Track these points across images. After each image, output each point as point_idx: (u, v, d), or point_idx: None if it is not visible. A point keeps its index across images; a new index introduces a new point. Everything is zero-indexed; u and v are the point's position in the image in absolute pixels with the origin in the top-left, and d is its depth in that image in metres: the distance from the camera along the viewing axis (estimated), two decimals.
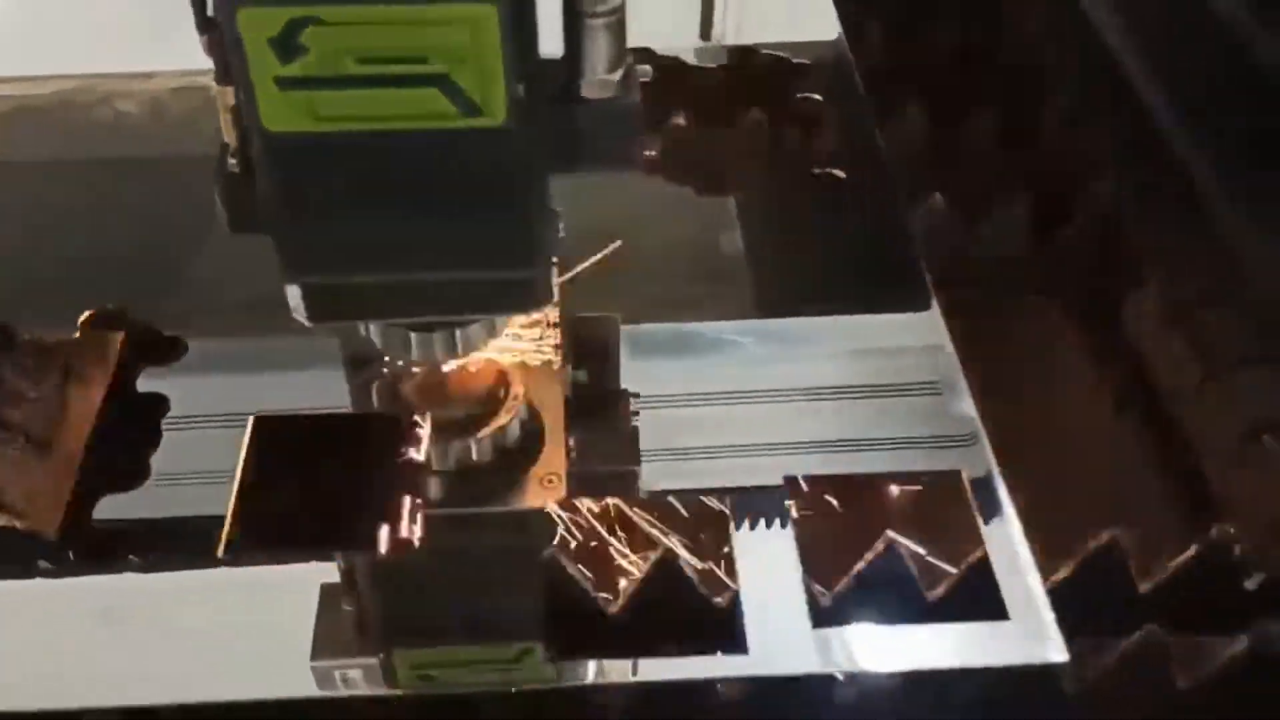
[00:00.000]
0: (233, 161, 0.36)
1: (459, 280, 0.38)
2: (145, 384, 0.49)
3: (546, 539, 0.42)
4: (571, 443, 0.45)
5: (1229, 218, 0.57)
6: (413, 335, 0.41)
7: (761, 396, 0.48)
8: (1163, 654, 0.40)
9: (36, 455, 0.46)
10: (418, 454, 0.43)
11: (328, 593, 0.42)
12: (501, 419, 0.44)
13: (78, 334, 0.49)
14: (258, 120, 0.33)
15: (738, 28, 0.72)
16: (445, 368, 0.45)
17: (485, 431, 0.44)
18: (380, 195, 0.35)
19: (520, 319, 0.46)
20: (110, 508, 0.45)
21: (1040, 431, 0.53)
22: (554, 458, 0.45)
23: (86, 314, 0.49)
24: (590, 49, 0.36)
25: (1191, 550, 0.43)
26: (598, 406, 0.48)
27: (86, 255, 0.56)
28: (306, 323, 0.38)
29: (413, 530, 0.41)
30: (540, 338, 0.47)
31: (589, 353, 0.49)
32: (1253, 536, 0.46)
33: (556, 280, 0.47)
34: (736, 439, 0.46)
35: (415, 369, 0.45)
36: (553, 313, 0.47)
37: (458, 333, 0.41)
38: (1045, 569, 0.43)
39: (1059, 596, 0.43)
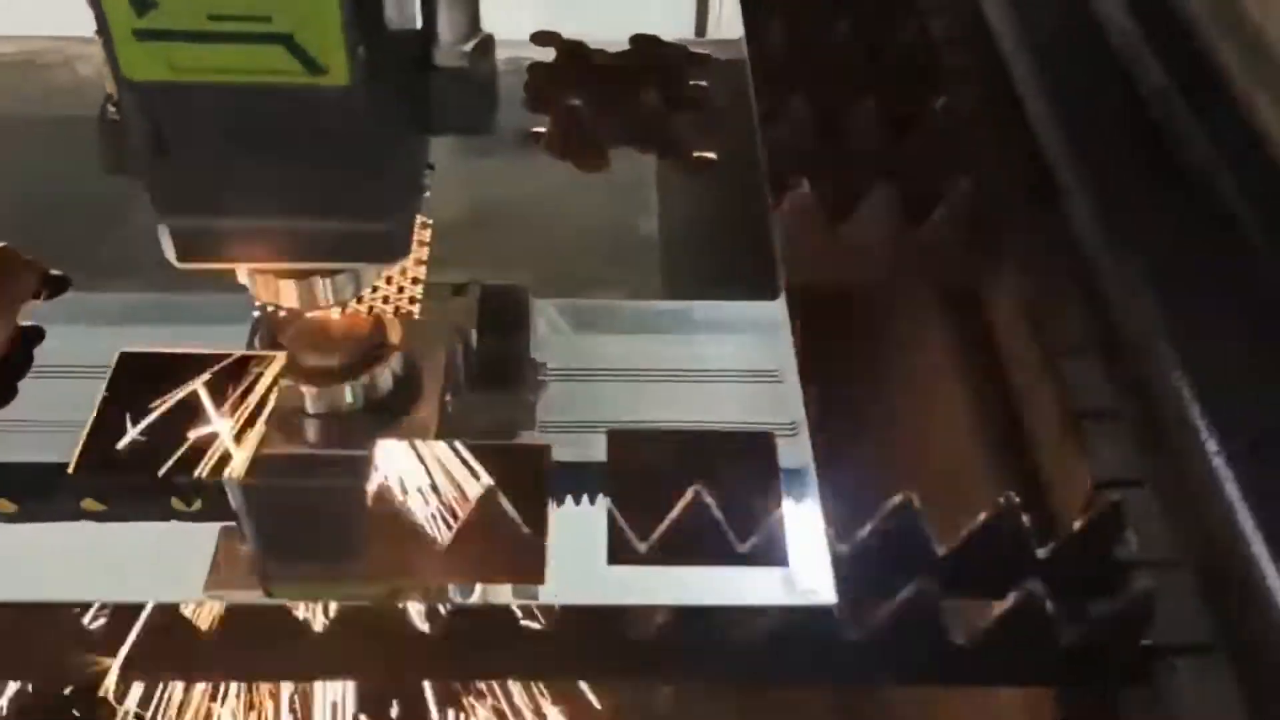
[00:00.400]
0: (112, 110, 0.38)
1: (318, 229, 0.40)
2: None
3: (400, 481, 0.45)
4: (459, 400, 0.48)
5: (1085, 221, 0.60)
6: (281, 282, 0.43)
7: (594, 376, 0.51)
8: (935, 609, 0.43)
9: None
10: (289, 397, 0.46)
11: (227, 532, 0.45)
12: (373, 367, 0.47)
13: None
14: (119, 69, 0.36)
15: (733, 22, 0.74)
16: (322, 315, 0.47)
17: (357, 378, 0.46)
18: (239, 144, 0.38)
19: (393, 273, 0.49)
20: None
21: (874, 412, 0.56)
22: (425, 410, 0.47)
23: None
24: (443, 20, 0.39)
25: (981, 517, 0.46)
26: (501, 372, 0.50)
27: (25, 202, 0.59)
28: (175, 263, 0.41)
29: (265, 465, 0.44)
30: (400, 290, 0.49)
31: (497, 321, 0.51)
32: (1068, 510, 0.49)
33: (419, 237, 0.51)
34: (563, 416, 0.49)
35: (293, 316, 0.47)
36: (417, 270, 0.50)
37: (324, 281, 0.43)
38: (845, 532, 0.46)
39: (854, 554, 0.46)
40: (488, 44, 0.40)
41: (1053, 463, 0.54)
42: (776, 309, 0.52)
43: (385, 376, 0.47)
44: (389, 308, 0.49)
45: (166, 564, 0.45)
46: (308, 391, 0.46)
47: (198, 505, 0.45)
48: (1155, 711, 0.44)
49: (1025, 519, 0.46)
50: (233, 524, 0.45)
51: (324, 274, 0.43)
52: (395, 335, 0.47)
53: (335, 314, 0.47)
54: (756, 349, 0.52)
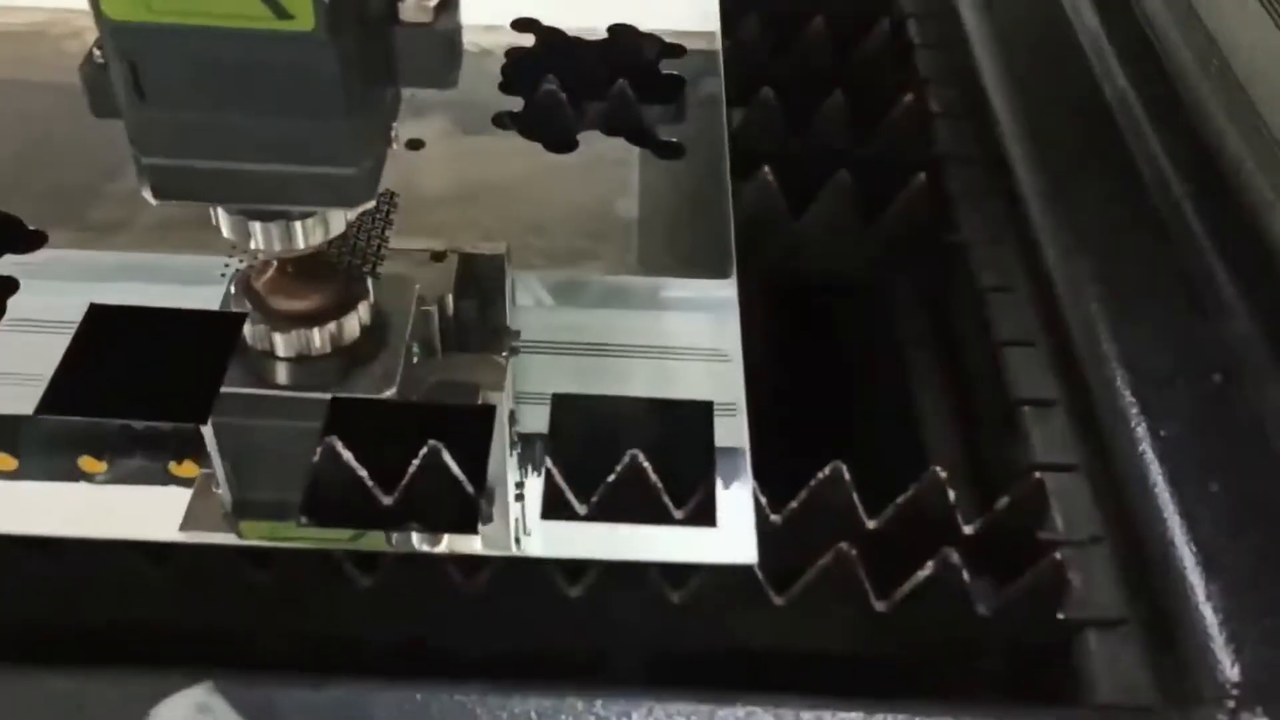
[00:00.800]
0: (98, 53, 0.40)
1: (284, 172, 0.42)
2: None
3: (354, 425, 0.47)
4: (427, 356, 0.50)
5: (1038, 219, 0.62)
6: (253, 224, 0.45)
7: (559, 347, 0.53)
8: (854, 574, 0.45)
9: None
10: (258, 342, 0.48)
11: (204, 476, 0.47)
12: (341, 315, 0.48)
13: None
14: (99, 9, 0.38)
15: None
16: (293, 259, 0.48)
17: (324, 324, 0.48)
18: (211, 86, 0.39)
19: (362, 236, 0.51)
20: None
21: (820, 394, 0.58)
22: (391, 356, 0.49)
23: None
24: None
25: (910, 491, 0.48)
26: (473, 334, 0.52)
27: (22, 164, 0.61)
28: (151, 200, 0.42)
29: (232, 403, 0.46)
30: (369, 253, 0.51)
31: (474, 287, 0.53)
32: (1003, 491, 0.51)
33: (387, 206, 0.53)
34: (526, 385, 0.51)
35: (269, 263, 0.49)
36: (383, 236, 0.52)
37: (292, 224, 0.45)
38: (780, 504, 0.48)
39: (785, 522, 0.48)
40: (452, 1, 0.42)
41: (993, 448, 0.56)
42: (726, 289, 0.54)
43: (353, 325, 0.48)
44: (359, 262, 0.51)
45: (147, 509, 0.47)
46: (277, 334, 0.48)
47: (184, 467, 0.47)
48: (1071, 682, 0.46)
49: (951, 494, 0.48)
50: (209, 470, 0.47)
51: (292, 217, 0.44)
52: (366, 287, 0.49)
53: (307, 260, 0.48)
54: (709, 328, 0.54)
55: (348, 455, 0.45)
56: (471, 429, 0.47)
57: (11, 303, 0.53)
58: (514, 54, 0.67)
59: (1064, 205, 0.62)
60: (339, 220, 0.46)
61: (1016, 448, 0.54)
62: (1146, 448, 0.50)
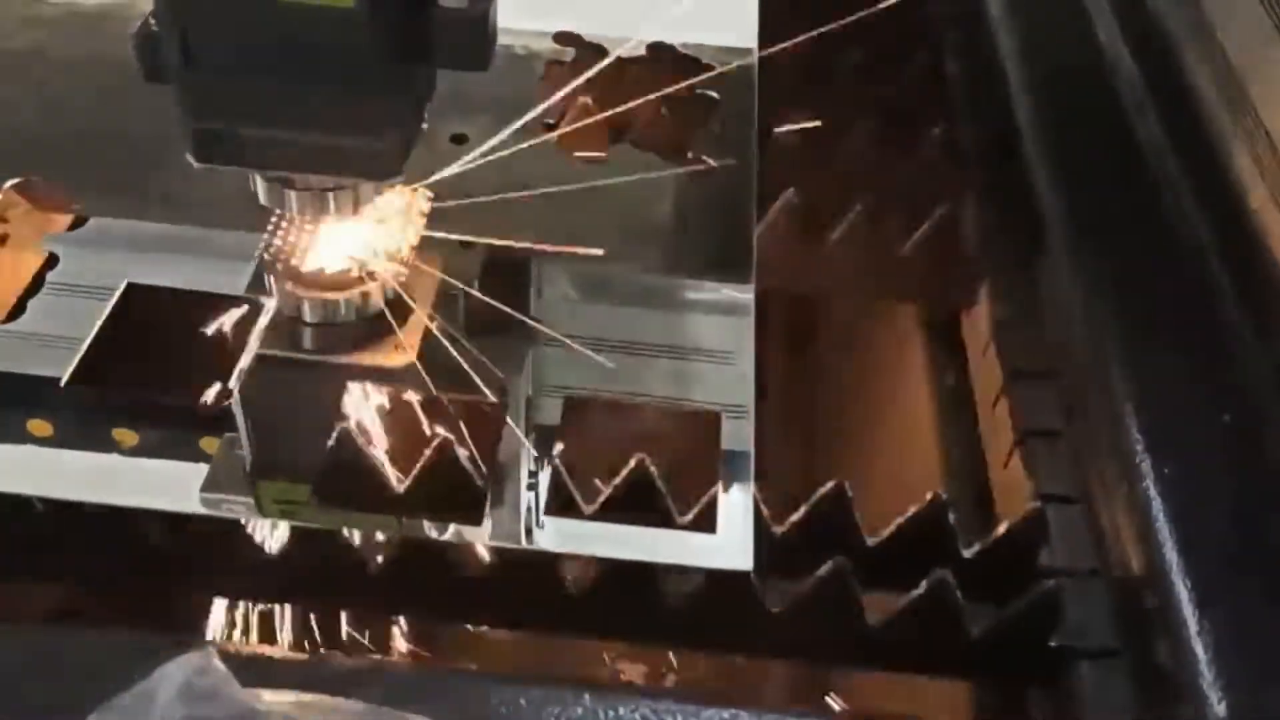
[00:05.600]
0: (152, 21, 0.43)
1: (320, 141, 0.44)
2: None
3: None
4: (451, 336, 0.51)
5: (1060, 256, 0.62)
6: (288, 192, 0.47)
7: (565, 341, 0.54)
8: (848, 588, 0.45)
9: None
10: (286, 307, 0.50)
11: (228, 440, 0.49)
12: (366, 284, 0.50)
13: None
14: None
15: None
16: (325, 233, 0.50)
17: (349, 292, 0.50)
18: (256, 55, 0.41)
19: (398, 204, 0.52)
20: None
21: (830, 412, 0.58)
22: (412, 330, 0.51)
23: (11, 182, 0.57)
24: None
25: (909, 511, 0.48)
26: (496, 320, 0.53)
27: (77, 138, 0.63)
28: (194, 163, 0.44)
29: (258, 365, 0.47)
30: (403, 224, 0.53)
31: (501, 277, 0.55)
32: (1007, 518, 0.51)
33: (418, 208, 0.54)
34: (541, 378, 0.52)
35: (301, 235, 0.51)
36: (414, 230, 0.53)
37: (325, 193, 0.47)
38: (782, 516, 0.49)
39: (786, 535, 0.49)
40: None
41: (999, 478, 0.56)
42: (744, 294, 0.55)
43: (377, 297, 0.50)
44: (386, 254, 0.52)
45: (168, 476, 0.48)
46: (305, 299, 0.49)
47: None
48: (1061, 709, 0.46)
49: (952, 517, 0.48)
50: (232, 434, 0.49)
51: (325, 185, 0.46)
52: (390, 259, 0.51)
53: (339, 228, 0.50)
54: (724, 332, 0.55)
55: (362, 441, 0.47)
56: (484, 423, 0.48)
57: (56, 269, 0.54)
58: (552, 66, 0.68)
59: (1086, 243, 0.62)
60: (368, 190, 0.48)
61: (1022, 479, 0.54)
62: (1149, 484, 0.50)
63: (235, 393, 0.48)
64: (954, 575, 0.46)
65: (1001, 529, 0.49)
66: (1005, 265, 0.64)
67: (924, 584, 0.45)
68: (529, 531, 0.47)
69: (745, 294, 0.55)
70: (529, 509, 0.47)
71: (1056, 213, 0.65)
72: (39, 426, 0.49)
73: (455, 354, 0.51)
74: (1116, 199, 0.66)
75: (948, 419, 0.60)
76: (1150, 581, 0.47)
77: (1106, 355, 0.56)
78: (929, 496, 0.48)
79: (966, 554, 0.49)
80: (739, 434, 0.49)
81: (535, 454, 0.49)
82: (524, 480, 0.48)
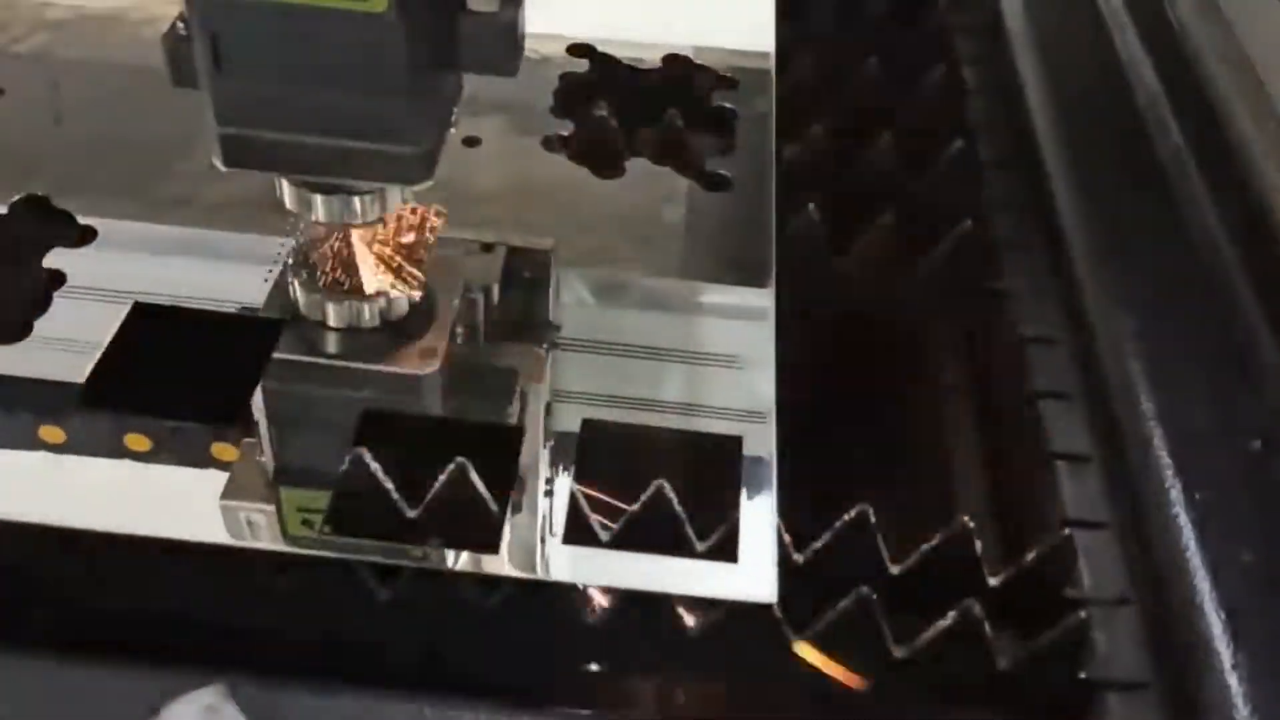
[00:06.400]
0: (181, 25, 0.42)
1: (349, 147, 0.43)
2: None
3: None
4: (471, 339, 0.51)
5: (1084, 272, 0.61)
6: (315, 196, 0.46)
7: (595, 347, 0.53)
8: (872, 618, 0.44)
9: None
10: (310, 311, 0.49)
11: (248, 447, 0.48)
12: (391, 290, 0.49)
13: (5, 212, 0.55)
14: None
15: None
16: (350, 240, 0.49)
17: (373, 299, 0.49)
18: (287, 60, 0.41)
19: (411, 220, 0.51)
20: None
21: (850, 431, 0.57)
22: (437, 336, 0.50)
23: (15, 197, 0.56)
24: None
25: (935, 539, 0.47)
26: (517, 323, 0.53)
27: (83, 144, 0.63)
28: (221, 167, 0.44)
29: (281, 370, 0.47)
30: (419, 236, 0.52)
31: (519, 279, 0.54)
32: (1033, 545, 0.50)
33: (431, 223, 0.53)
34: (557, 383, 0.51)
35: (326, 241, 0.50)
36: (435, 220, 0.52)
37: (351, 199, 0.46)
38: (806, 539, 0.48)
39: (808, 562, 0.48)
40: None
41: (1023, 500, 0.55)
42: (763, 299, 0.54)
43: (402, 302, 0.49)
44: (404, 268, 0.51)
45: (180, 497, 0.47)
46: (329, 305, 0.48)
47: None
48: None
49: (978, 545, 0.47)
50: (252, 440, 0.48)
51: (351, 191, 0.46)
52: (415, 265, 0.50)
53: (362, 237, 0.49)
54: (741, 336, 0.54)
55: (375, 466, 0.46)
56: (500, 448, 0.47)
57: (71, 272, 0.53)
58: (567, 78, 0.67)
59: (1111, 260, 0.61)
60: (394, 197, 0.47)
61: (1047, 502, 0.53)
62: (1180, 510, 0.49)
63: (258, 394, 0.47)
64: (981, 604, 0.45)
65: (1030, 557, 0.47)
66: (1026, 281, 0.63)
67: (951, 614, 0.44)
68: (543, 561, 0.45)
69: (764, 300, 0.54)
70: (544, 538, 0.46)
71: (1078, 228, 0.64)
72: (51, 433, 0.48)
73: (479, 363, 0.50)
74: (1139, 213, 0.65)
75: (968, 438, 0.59)
76: (1182, 611, 0.46)
77: (1133, 376, 0.55)
78: (956, 523, 0.47)
79: (993, 582, 0.48)
80: (759, 440, 0.48)
81: (548, 476, 0.48)
82: (539, 505, 0.47)
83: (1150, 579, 0.48)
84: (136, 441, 0.48)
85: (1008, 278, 0.61)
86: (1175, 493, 0.49)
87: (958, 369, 0.62)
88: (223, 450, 0.48)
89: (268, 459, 0.48)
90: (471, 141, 0.63)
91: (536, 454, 0.48)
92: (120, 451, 0.48)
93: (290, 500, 0.47)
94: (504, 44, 0.43)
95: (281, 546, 0.46)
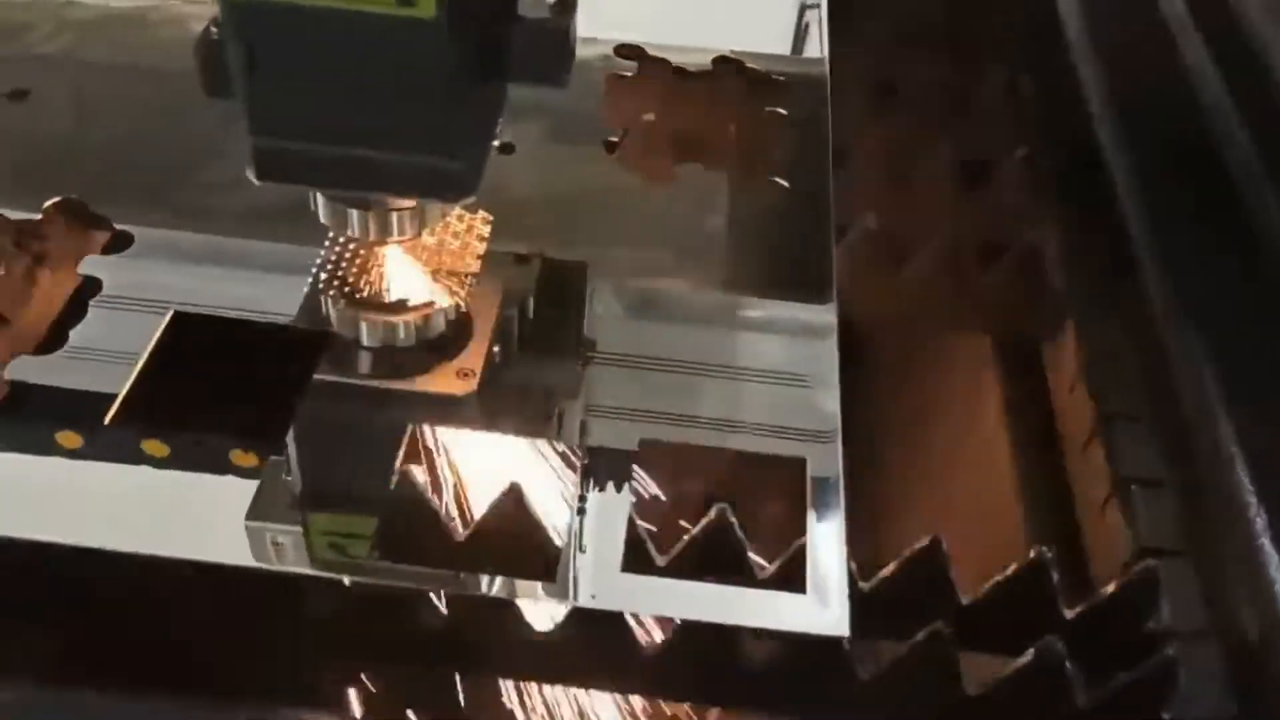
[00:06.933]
0: (214, 30, 0.40)
1: (390, 160, 0.41)
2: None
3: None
4: (508, 357, 0.50)
5: (1154, 287, 0.59)
6: (351, 211, 0.45)
7: (641, 362, 0.51)
8: (949, 656, 0.42)
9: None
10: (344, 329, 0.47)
11: (274, 464, 0.46)
12: (427, 308, 0.48)
13: (40, 217, 0.54)
14: None
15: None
16: (386, 254, 0.48)
17: (410, 315, 0.48)
18: (327, 69, 0.39)
19: (455, 248, 0.50)
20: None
21: (913, 452, 0.55)
22: (474, 355, 0.48)
23: (50, 201, 0.54)
24: None
25: (1010, 569, 0.45)
26: (553, 339, 0.52)
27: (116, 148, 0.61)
28: (254, 180, 0.42)
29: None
30: (463, 246, 0.50)
31: (555, 292, 0.52)
32: (1105, 574, 0.48)
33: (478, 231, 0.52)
34: (604, 399, 0.49)
35: (360, 255, 0.49)
36: (478, 247, 0.51)
37: (389, 214, 0.45)
38: (870, 567, 0.46)
39: (874, 592, 0.45)
40: (569, 1, 0.41)
41: (1093, 526, 0.53)
42: (824, 314, 0.52)
43: (439, 319, 0.48)
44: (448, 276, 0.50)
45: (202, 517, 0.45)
46: (363, 323, 0.47)
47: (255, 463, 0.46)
48: None
49: (1055, 576, 0.45)
50: (279, 458, 0.46)
51: (389, 207, 0.44)
52: (454, 282, 0.49)
53: (400, 250, 0.48)
54: (799, 353, 0.52)
55: (424, 487, 0.44)
56: (557, 470, 0.45)
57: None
58: (615, 81, 0.65)
59: (1179, 273, 0.59)
60: (435, 213, 0.46)
61: (1119, 527, 0.51)
62: (1265, 540, 0.46)
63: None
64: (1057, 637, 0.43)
65: (1110, 588, 0.45)
66: (1091, 297, 0.60)
67: (1031, 651, 0.42)
68: (600, 588, 0.43)
69: (826, 312, 0.52)
70: (601, 563, 0.44)
71: (1144, 239, 0.62)
72: (68, 438, 0.46)
73: (511, 374, 0.49)
74: (1207, 224, 0.62)
75: (1034, 462, 0.56)
76: (1269, 644, 0.44)
77: (1208, 396, 0.53)
78: (1034, 552, 0.44)
79: (1068, 614, 0.46)
80: (823, 461, 0.46)
81: (598, 499, 0.46)
82: (599, 525, 0.45)
83: (1233, 610, 0.46)
84: (154, 448, 0.46)
85: (1072, 294, 0.59)
86: (1259, 519, 0.47)
87: (1021, 388, 0.60)
88: (242, 457, 0.46)
89: (294, 479, 0.46)
90: (506, 148, 0.61)
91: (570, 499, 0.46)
92: (139, 458, 0.46)
93: (317, 524, 0.45)
94: (555, 54, 0.41)
95: (305, 569, 0.44)
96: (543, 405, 0.49)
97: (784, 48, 0.74)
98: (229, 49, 0.39)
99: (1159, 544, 0.49)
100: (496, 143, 0.45)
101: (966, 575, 0.46)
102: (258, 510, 0.44)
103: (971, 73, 0.69)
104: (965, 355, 0.62)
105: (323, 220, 0.45)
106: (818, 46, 0.71)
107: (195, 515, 0.45)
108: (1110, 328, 0.59)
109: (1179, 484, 0.51)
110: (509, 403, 0.49)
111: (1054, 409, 0.60)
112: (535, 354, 0.51)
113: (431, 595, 0.43)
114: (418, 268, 0.48)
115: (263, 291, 0.51)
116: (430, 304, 0.48)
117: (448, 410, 0.47)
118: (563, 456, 0.45)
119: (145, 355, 0.46)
